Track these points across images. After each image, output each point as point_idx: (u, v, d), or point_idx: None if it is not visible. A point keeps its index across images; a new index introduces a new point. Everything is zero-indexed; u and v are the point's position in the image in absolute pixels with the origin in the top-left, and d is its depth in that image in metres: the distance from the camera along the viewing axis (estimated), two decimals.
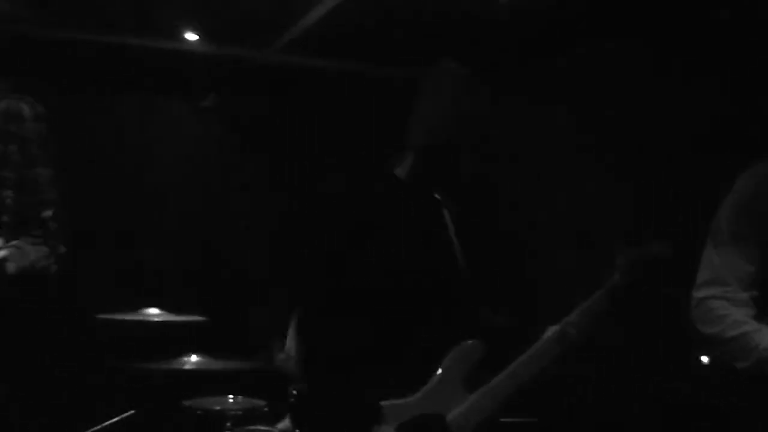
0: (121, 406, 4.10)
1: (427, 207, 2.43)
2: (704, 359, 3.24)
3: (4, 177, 2.55)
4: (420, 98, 2.40)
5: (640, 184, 4.32)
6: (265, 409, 3.85)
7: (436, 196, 2.45)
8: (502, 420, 2.28)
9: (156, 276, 5.44)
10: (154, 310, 4.17)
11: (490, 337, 2.31)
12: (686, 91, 4.07)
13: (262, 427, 3.75)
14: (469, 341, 2.26)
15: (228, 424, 3.75)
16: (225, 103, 5.89)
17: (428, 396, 2.19)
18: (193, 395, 3.95)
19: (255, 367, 4.00)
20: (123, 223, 5.59)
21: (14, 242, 2.51)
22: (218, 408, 3.85)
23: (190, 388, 4.02)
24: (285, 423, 3.61)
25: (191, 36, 5.21)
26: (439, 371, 2.22)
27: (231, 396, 3.97)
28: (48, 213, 2.60)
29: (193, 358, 4.01)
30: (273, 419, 3.73)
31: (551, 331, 2.34)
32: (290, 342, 3.70)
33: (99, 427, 3.97)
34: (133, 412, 4.04)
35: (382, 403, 2.13)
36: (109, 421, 4.00)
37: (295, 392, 3.40)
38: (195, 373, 4.02)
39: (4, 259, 2.46)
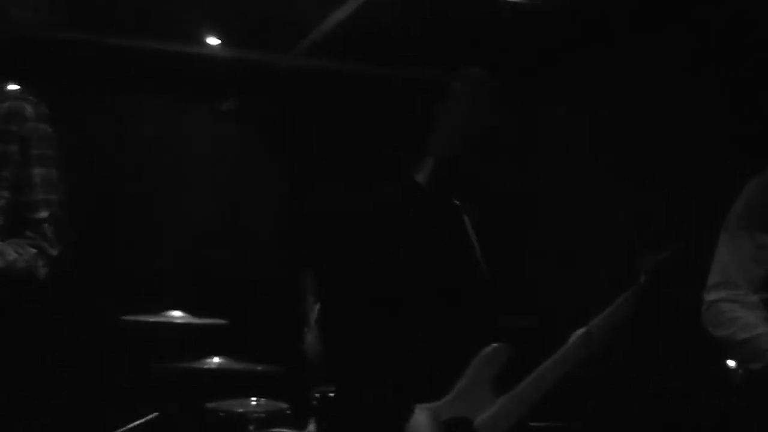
0: (144, 409, 4.13)
1: (448, 214, 2.44)
2: (730, 363, 3.23)
3: (2, 177, 2.49)
4: (442, 106, 2.40)
5: (654, 188, 4.33)
6: (288, 411, 3.88)
7: (456, 202, 2.46)
8: (531, 424, 2.28)
9: (176, 278, 5.47)
10: (176, 312, 4.19)
11: (515, 340, 2.31)
12: (714, 93, 4.08)
13: (285, 430, 3.77)
14: (495, 344, 2.25)
15: (251, 426, 3.78)
16: (245, 106, 5.93)
17: (455, 399, 2.19)
18: (215, 397, 3.97)
19: (277, 369, 4.03)
20: (143, 225, 5.64)
21: None
22: (241, 410, 3.87)
23: (213, 391, 4.05)
24: (310, 429, 3.61)
25: (213, 40, 5.24)
26: (466, 375, 2.22)
27: (254, 398, 3.99)
28: (43, 214, 2.51)
29: (216, 360, 4.04)
30: (295, 422, 3.75)
31: (576, 335, 2.34)
32: (311, 337, 3.72)
33: (123, 429, 4.00)
34: (156, 414, 4.06)
35: (411, 407, 2.14)
36: (133, 423, 4.02)
37: (318, 395, 3.42)
38: (217, 375, 4.05)
39: None
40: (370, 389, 2.20)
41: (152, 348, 4.55)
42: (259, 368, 4.08)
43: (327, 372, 2.91)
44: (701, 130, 4.10)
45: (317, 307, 3.53)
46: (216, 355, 4.07)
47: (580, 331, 2.33)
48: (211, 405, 3.90)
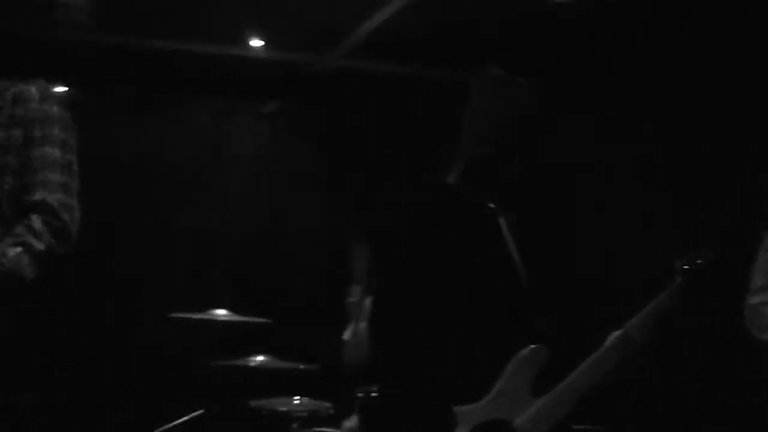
0: (190, 406, 4.18)
1: (482, 216, 2.43)
2: None
3: (6, 162, 2.38)
4: (467, 105, 2.40)
5: (694, 190, 4.31)
6: (331, 411, 3.89)
7: (491, 205, 2.43)
8: (574, 427, 2.29)
9: (222, 277, 5.54)
10: (221, 311, 4.22)
11: (552, 342, 2.31)
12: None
13: (328, 429, 3.80)
14: (533, 346, 2.26)
15: (294, 425, 3.81)
16: (287, 108, 5.98)
17: (495, 401, 2.20)
18: (259, 396, 4.00)
19: (320, 368, 4.06)
20: (188, 225, 5.72)
21: None
22: (284, 409, 3.90)
23: (257, 389, 4.09)
24: (351, 422, 3.64)
25: (256, 42, 5.30)
26: (504, 376, 2.23)
27: (297, 397, 4.00)
28: (37, 197, 2.34)
29: (260, 358, 4.08)
30: (338, 421, 3.77)
31: (614, 336, 2.35)
32: (352, 336, 3.75)
33: (169, 425, 4.06)
34: (201, 411, 4.11)
35: (453, 408, 2.16)
36: (179, 420, 4.08)
37: (361, 395, 3.45)
38: (262, 374, 4.08)
39: None
40: (417, 390, 2.23)
41: (197, 346, 4.61)
42: (302, 367, 4.11)
43: (370, 370, 2.93)
44: (747, 134, 4.05)
45: (366, 302, 3.53)
46: (260, 353, 4.11)
47: (618, 333, 2.34)
48: (255, 403, 3.93)
